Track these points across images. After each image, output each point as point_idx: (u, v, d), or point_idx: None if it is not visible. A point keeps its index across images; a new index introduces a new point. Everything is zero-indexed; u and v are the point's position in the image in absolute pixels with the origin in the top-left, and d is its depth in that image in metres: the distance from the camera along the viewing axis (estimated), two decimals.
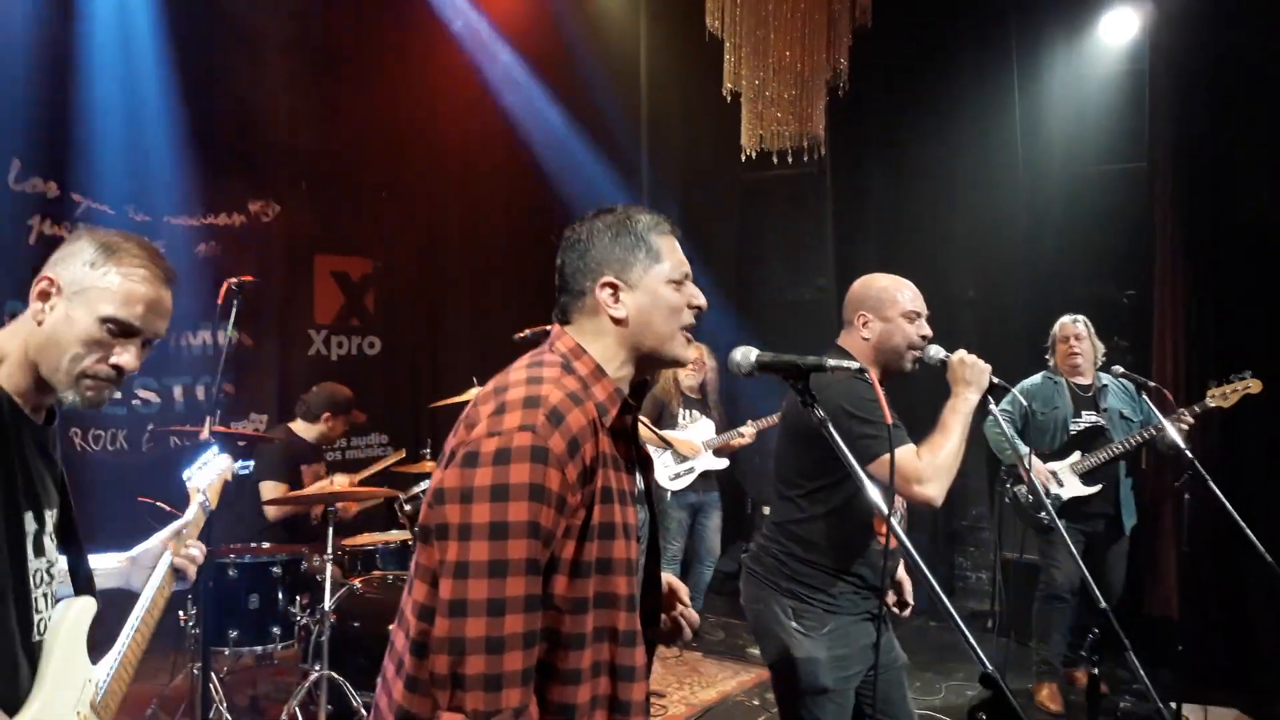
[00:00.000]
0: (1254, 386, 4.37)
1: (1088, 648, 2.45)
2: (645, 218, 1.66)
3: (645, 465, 1.73)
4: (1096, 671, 2.44)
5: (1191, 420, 4.26)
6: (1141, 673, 2.43)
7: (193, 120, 5.32)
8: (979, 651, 1.55)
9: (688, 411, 5.60)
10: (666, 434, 5.49)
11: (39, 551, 1.63)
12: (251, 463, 4.08)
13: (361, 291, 6.44)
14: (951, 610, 1.60)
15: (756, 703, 4.71)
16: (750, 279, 7.35)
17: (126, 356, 1.64)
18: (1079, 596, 4.54)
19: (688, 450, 5.48)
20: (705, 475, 5.60)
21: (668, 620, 1.87)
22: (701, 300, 1.67)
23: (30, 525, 1.60)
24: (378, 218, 6.40)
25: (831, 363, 1.79)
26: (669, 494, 5.58)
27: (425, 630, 1.43)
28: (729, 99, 5.26)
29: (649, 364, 1.66)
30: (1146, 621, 5.36)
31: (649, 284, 1.62)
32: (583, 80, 6.75)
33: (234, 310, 3.52)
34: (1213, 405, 4.31)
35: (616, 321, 1.60)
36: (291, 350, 6.01)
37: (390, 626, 1.61)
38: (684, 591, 1.90)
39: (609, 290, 1.60)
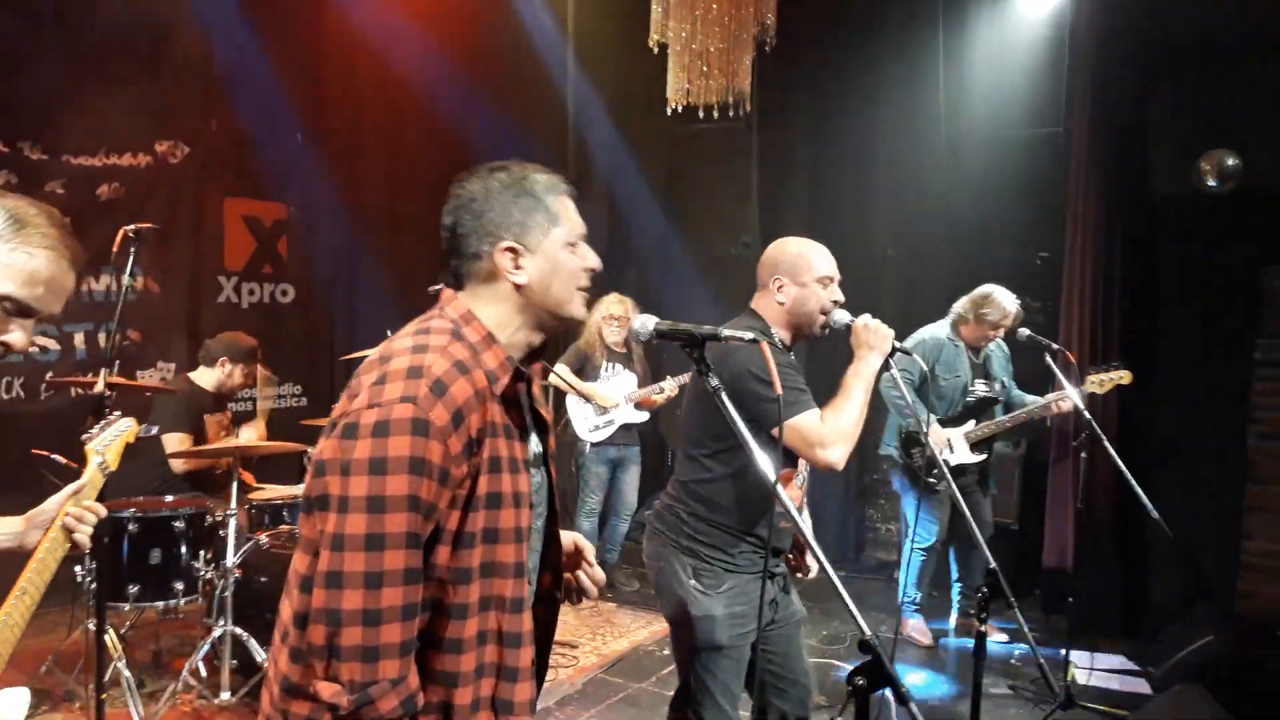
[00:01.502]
0: (1125, 378, 4.68)
1: (977, 606, 2.53)
2: (543, 178, 1.62)
3: (543, 429, 1.71)
4: (984, 629, 2.53)
5: (1065, 409, 4.60)
6: (1026, 629, 2.53)
7: (98, 55, 5.06)
8: (859, 618, 1.58)
9: (611, 364, 5.61)
10: (585, 386, 5.50)
11: None
12: (155, 429, 3.96)
13: (275, 238, 6.26)
14: (835, 578, 1.63)
15: (667, 652, 4.78)
16: (678, 234, 7.33)
17: (17, 335, 1.59)
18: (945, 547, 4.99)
19: (606, 403, 5.49)
20: (626, 428, 5.63)
21: (571, 579, 1.87)
22: (596, 262, 1.65)
23: None
24: (293, 162, 6.20)
25: (726, 333, 1.80)
26: (588, 446, 5.61)
27: (306, 601, 1.42)
28: (656, 50, 5.19)
29: (546, 328, 1.63)
30: (1045, 573, 5.60)
31: (548, 248, 1.58)
32: (508, 28, 6.60)
33: (130, 259, 3.38)
34: (1089, 391, 4.55)
35: (517, 287, 1.57)
36: (200, 297, 5.84)
37: (281, 595, 1.58)
38: (590, 551, 1.89)
39: (509, 255, 1.56)
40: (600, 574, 1.90)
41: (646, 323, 1.80)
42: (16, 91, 4.90)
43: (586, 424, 5.58)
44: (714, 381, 1.76)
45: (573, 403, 5.60)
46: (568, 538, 1.84)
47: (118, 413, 2.36)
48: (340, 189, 6.38)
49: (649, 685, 4.43)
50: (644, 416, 5.67)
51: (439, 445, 1.39)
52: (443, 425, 1.40)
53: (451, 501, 1.44)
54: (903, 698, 1.51)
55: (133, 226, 3.39)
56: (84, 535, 1.95)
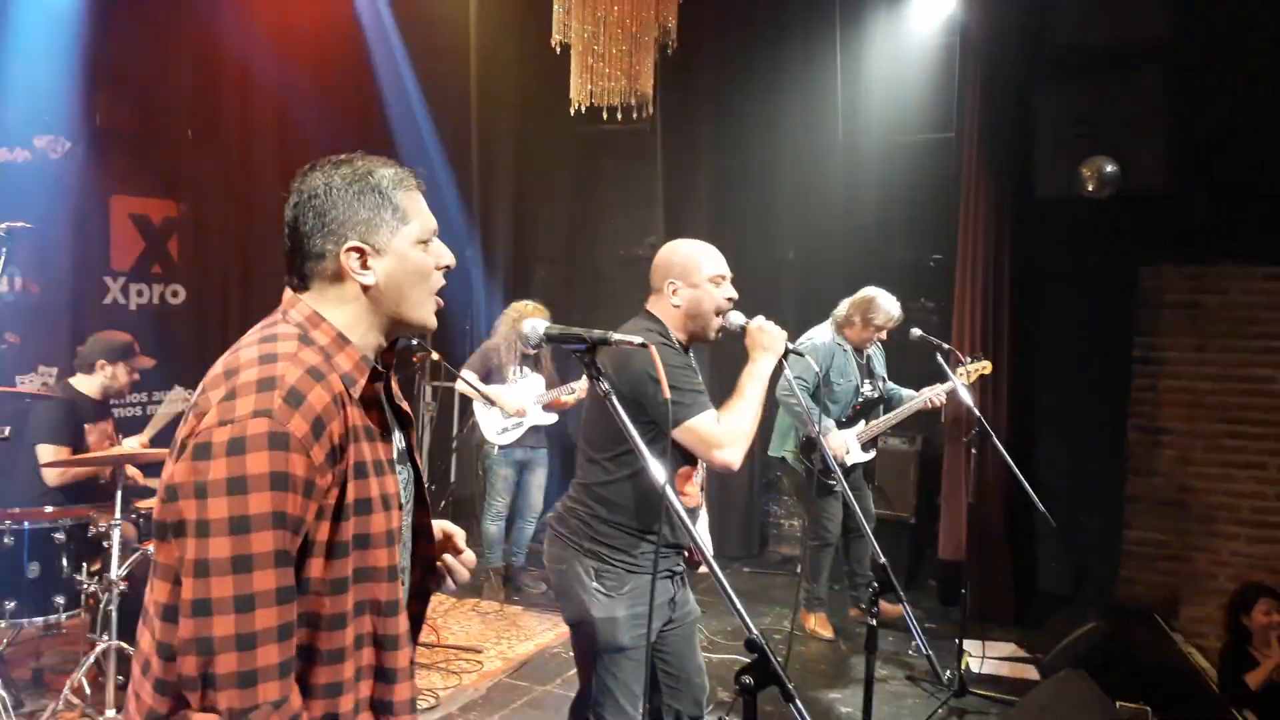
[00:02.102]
0: (986, 368, 4.92)
1: (868, 601, 2.60)
2: (389, 173, 1.54)
3: (405, 424, 1.66)
4: (875, 624, 2.60)
5: (943, 402, 4.81)
6: (913, 622, 2.60)
7: None
8: (746, 619, 1.61)
9: (519, 367, 5.57)
10: (491, 391, 5.45)
11: None
12: (9, 428, 3.76)
13: (164, 236, 6.01)
14: (724, 582, 1.65)
15: (573, 654, 4.79)
16: (584, 235, 7.33)
17: None
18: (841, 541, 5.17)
19: (512, 410, 5.45)
20: (534, 430, 5.60)
21: (441, 566, 1.81)
22: (449, 259, 1.59)
23: None
24: (182, 158, 5.98)
25: (616, 337, 1.81)
26: (496, 448, 5.56)
27: (171, 631, 1.36)
28: (559, 50, 5.18)
29: (396, 330, 1.57)
30: (940, 566, 5.78)
31: (398, 247, 1.51)
32: (410, 26, 6.49)
33: (1, 259, 3.21)
34: (961, 383, 4.72)
35: (365, 289, 1.50)
36: (85, 298, 5.56)
37: (139, 624, 1.51)
38: (459, 536, 1.84)
39: (355, 255, 1.49)
40: (470, 557, 1.82)
41: (536, 327, 1.80)
42: None
43: (494, 426, 5.53)
44: (604, 385, 1.77)
45: (479, 405, 5.55)
46: (437, 527, 1.80)
47: None
48: (233, 187, 6.17)
49: (554, 688, 4.42)
50: (553, 418, 5.65)
51: (301, 457, 1.34)
52: (303, 436, 1.35)
53: (319, 513, 1.39)
54: (788, 695, 1.54)
55: (3, 225, 3.23)
56: None
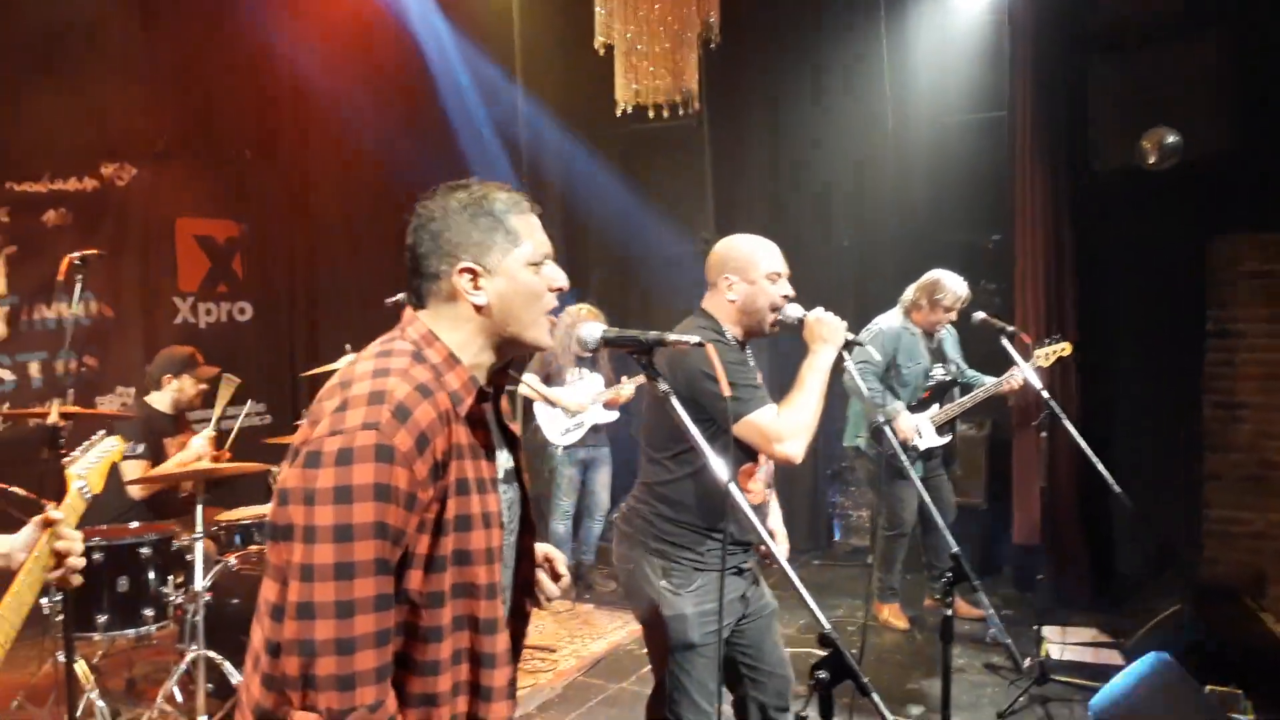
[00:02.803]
0: (1065, 350, 4.78)
1: (941, 590, 2.58)
2: (503, 196, 1.59)
3: (513, 444, 1.70)
4: (950, 614, 2.57)
5: (1021, 384, 4.68)
6: (990, 610, 2.57)
7: (39, 79, 4.99)
8: (818, 612, 1.61)
9: (577, 369, 5.63)
10: (553, 393, 5.50)
11: None
12: (142, 446, 3.90)
13: (229, 256, 6.19)
14: (795, 578, 1.65)
15: (646, 651, 4.80)
16: (633, 235, 7.34)
17: None
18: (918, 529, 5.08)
19: (574, 408, 5.50)
20: (595, 429, 5.65)
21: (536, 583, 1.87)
22: (563, 282, 1.63)
23: None
24: (242, 178, 6.14)
25: (672, 337, 1.82)
26: (560, 449, 5.62)
27: (278, 629, 1.42)
28: (602, 52, 5.20)
29: (510, 350, 1.61)
30: (1015, 551, 5.69)
31: (509, 268, 1.55)
32: (455, 36, 6.57)
33: (78, 286, 3.33)
34: (1036, 366, 4.65)
35: (477, 309, 1.54)
36: (157, 320, 5.76)
37: (252, 620, 1.57)
38: (560, 561, 1.89)
39: (467, 276, 1.54)
40: (566, 581, 1.90)
41: (593, 331, 1.82)
42: None
43: (556, 427, 5.59)
44: (663, 386, 1.78)
45: (541, 407, 5.61)
46: (540, 550, 1.84)
47: (101, 432, 2.31)
48: (293, 203, 6.33)
49: (629, 685, 4.45)
50: (613, 416, 5.69)
51: (404, 471, 1.38)
52: (407, 450, 1.39)
53: (420, 526, 1.43)
54: (864, 689, 1.54)
55: (78, 254, 3.35)
56: (78, 562, 1.91)
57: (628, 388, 5.55)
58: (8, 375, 5.17)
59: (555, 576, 1.86)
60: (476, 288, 1.54)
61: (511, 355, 1.62)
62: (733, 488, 1.74)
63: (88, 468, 2.13)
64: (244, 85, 5.99)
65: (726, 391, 1.88)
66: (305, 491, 1.38)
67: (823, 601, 5.43)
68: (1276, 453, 5.34)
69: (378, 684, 1.38)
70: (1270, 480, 5.35)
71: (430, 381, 1.47)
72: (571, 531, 5.75)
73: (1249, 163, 5.12)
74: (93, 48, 5.28)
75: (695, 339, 1.84)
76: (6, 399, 5.15)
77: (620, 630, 5.13)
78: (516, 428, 1.73)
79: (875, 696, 1.55)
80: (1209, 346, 5.51)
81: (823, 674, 1.58)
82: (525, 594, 1.77)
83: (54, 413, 3.13)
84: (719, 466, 1.77)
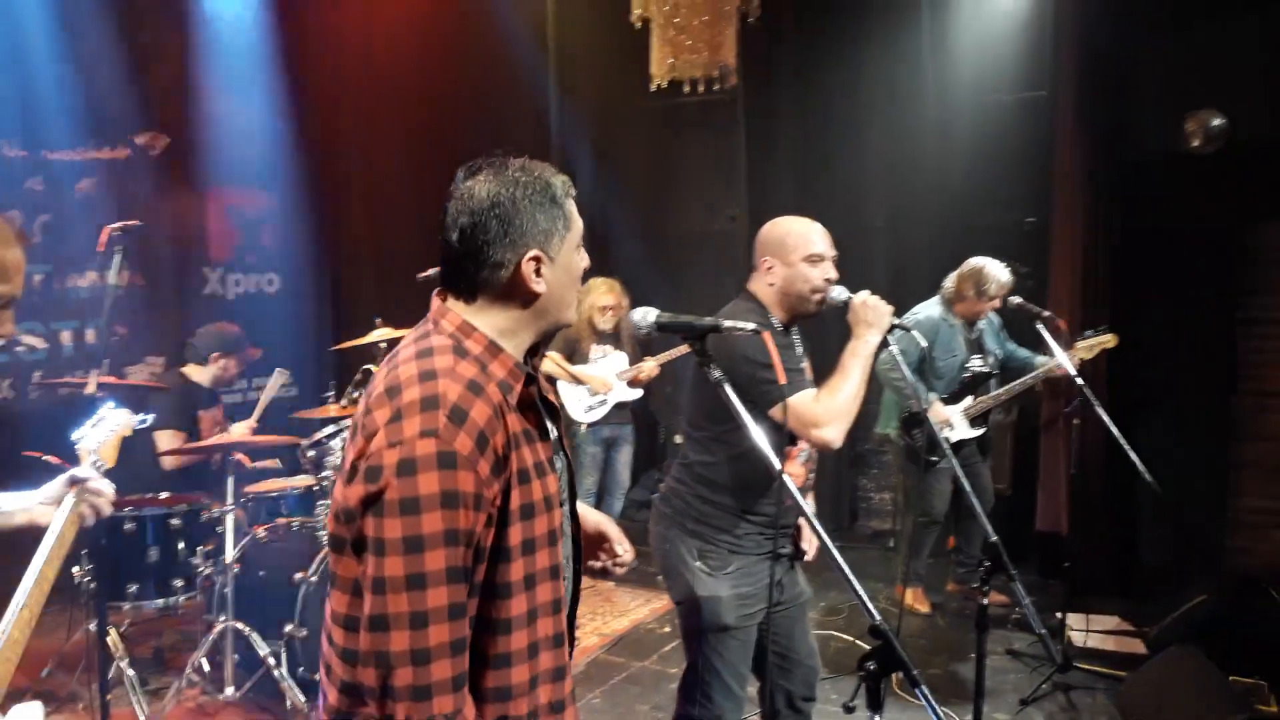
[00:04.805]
0: (1110, 342, 4.73)
1: (980, 579, 2.56)
2: (559, 181, 1.55)
3: (553, 414, 1.68)
4: (986, 603, 2.55)
5: (1059, 374, 4.52)
6: (1026, 600, 2.55)
7: (72, 47, 4.98)
8: (869, 605, 1.59)
9: (600, 346, 5.61)
10: (579, 370, 5.49)
11: None
12: (152, 416, 3.92)
13: (258, 227, 6.20)
14: (845, 568, 1.63)
15: (668, 629, 4.83)
16: (663, 210, 7.30)
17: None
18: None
19: (600, 387, 5.49)
20: (619, 407, 5.64)
21: (600, 564, 1.89)
22: (587, 261, 1.62)
23: None
24: (273, 150, 6.12)
25: (727, 324, 1.79)
26: (583, 427, 5.61)
27: (352, 639, 1.42)
28: (639, 26, 5.15)
29: (549, 331, 1.59)
30: (1039, 538, 5.65)
31: (565, 255, 1.54)
32: (487, 7, 6.51)
33: (117, 258, 3.33)
34: (1079, 357, 4.59)
35: (533, 296, 1.51)
36: (186, 289, 5.78)
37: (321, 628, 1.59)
38: (614, 533, 1.88)
39: (533, 264, 1.50)
40: (627, 555, 1.89)
41: (646, 315, 1.80)
42: None
43: (580, 405, 5.58)
44: (716, 373, 1.76)
45: (564, 385, 5.59)
46: (590, 520, 1.85)
47: (109, 404, 2.31)
48: (321, 176, 6.31)
49: (651, 663, 4.46)
50: (638, 394, 5.67)
51: (469, 474, 1.36)
52: (469, 453, 1.37)
53: (488, 521, 1.42)
54: (914, 680, 1.52)
55: (119, 225, 3.34)
56: (105, 504, 1.94)
57: (650, 364, 5.53)
58: (39, 344, 5.20)
59: (613, 556, 1.87)
60: (539, 275, 1.51)
61: (547, 335, 1.61)
62: (786, 478, 1.72)
63: (100, 442, 2.13)
64: (277, 57, 5.94)
65: (782, 379, 1.86)
66: (371, 506, 1.36)
67: (841, 585, 5.44)
68: None
69: (455, 693, 1.38)
70: None
71: (478, 376, 1.44)
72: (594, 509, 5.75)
73: None
74: (131, 12, 5.26)
75: (751, 326, 1.82)
76: (38, 368, 5.18)
77: (642, 608, 5.15)
78: (555, 397, 1.71)
79: (924, 689, 1.54)
80: (1242, 334, 5.43)
81: (872, 665, 1.57)
82: (578, 562, 1.77)
83: (92, 383, 3.13)
84: (769, 450, 1.75)
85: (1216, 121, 5.02)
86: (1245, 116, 5.08)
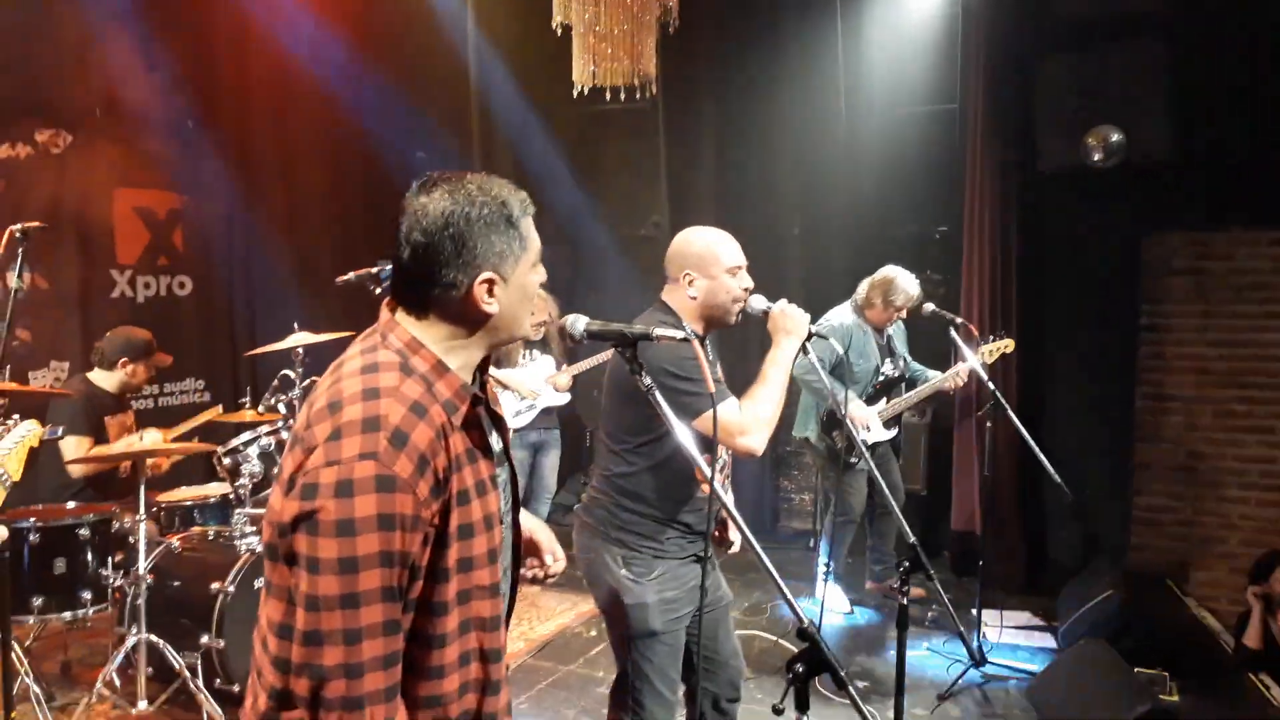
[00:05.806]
0: (1008, 346, 4.96)
1: (899, 579, 2.64)
2: (516, 200, 1.53)
3: (498, 424, 1.67)
4: (906, 603, 2.63)
5: (965, 381, 4.89)
6: (945, 597, 2.63)
7: None
8: (796, 608, 1.63)
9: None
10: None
11: None
12: (61, 429, 3.78)
13: (169, 228, 5.99)
14: (772, 570, 1.67)
15: (594, 633, 4.83)
16: (586, 216, 7.30)
17: None
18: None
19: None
20: (546, 412, 5.63)
21: (530, 573, 1.91)
22: (544, 276, 1.61)
23: None
24: (184, 149, 5.94)
25: (658, 332, 1.82)
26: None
27: (286, 646, 1.41)
28: (560, 32, 5.14)
29: (498, 346, 1.59)
30: (954, 536, 5.83)
31: (519, 276, 1.52)
32: (406, 13, 6.44)
33: (19, 260, 3.21)
34: (982, 361, 4.74)
35: (485, 316, 1.50)
36: (92, 292, 5.54)
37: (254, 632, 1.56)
38: (545, 542, 1.92)
39: (486, 286, 1.48)
40: (560, 562, 1.95)
41: (577, 323, 1.81)
42: None
43: (508, 410, 5.55)
44: (647, 381, 1.78)
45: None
46: (524, 528, 1.86)
47: (15, 417, 2.23)
48: (234, 176, 6.13)
49: (577, 667, 4.46)
50: (565, 399, 5.67)
51: (407, 496, 1.35)
52: (408, 476, 1.36)
53: (424, 540, 1.41)
54: (842, 682, 1.56)
55: (19, 226, 3.21)
56: None
57: (563, 378, 5.55)
58: None
59: (542, 564, 1.89)
60: (492, 296, 1.50)
61: (496, 349, 1.60)
62: (707, 481, 1.75)
63: (4, 453, 2.05)
64: (185, 53, 5.77)
65: (711, 388, 1.89)
66: (305, 523, 1.34)
67: (763, 585, 5.54)
68: (1204, 444, 5.55)
69: (386, 703, 1.38)
70: (1197, 470, 5.57)
71: (423, 396, 1.43)
72: None
73: (1187, 164, 5.30)
74: (25, 7, 5.06)
75: (682, 334, 1.84)
76: None
77: (568, 612, 5.14)
78: (500, 408, 1.70)
79: (852, 689, 1.58)
80: (1142, 340, 5.69)
81: (800, 667, 1.61)
82: (517, 570, 1.78)
83: None
84: (699, 457, 1.78)
85: (1116, 137, 5.26)
86: (1145, 133, 5.32)
